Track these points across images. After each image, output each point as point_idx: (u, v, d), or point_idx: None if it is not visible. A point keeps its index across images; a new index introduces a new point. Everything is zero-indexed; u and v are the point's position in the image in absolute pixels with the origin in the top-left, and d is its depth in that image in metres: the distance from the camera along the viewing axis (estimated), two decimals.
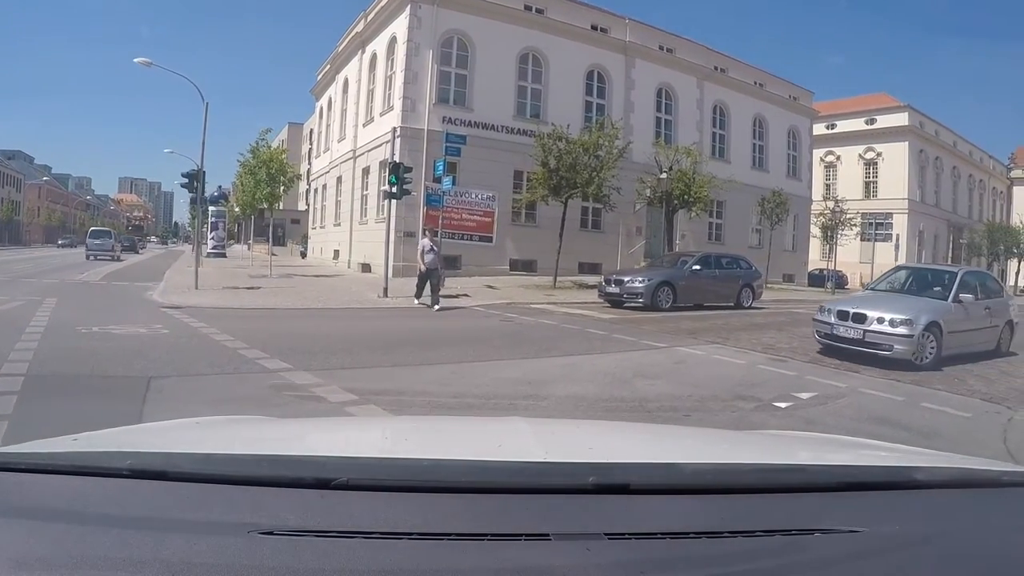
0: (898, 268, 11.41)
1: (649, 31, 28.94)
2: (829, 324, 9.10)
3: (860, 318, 8.73)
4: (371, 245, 23.74)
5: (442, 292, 14.16)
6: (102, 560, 0.85)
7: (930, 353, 8.59)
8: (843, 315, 8.90)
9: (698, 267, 16.28)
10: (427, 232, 14.57)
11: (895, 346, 8.38)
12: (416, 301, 13.84)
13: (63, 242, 59.50)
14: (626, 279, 15.51)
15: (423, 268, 13.71)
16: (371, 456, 1.34)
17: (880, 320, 8.57)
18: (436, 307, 13.27)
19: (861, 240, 35.33)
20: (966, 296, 9.19)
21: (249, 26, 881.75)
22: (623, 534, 0.97)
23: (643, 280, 15.15)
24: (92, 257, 33.03)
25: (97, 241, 35.19)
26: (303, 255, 39.00)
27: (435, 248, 13.94)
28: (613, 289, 15.46)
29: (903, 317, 8.46)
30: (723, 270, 17.14)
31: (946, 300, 9.16)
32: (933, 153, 46.01)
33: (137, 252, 46.07)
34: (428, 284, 13.77)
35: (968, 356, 9.17)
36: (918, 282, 10.20)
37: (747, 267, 17.86)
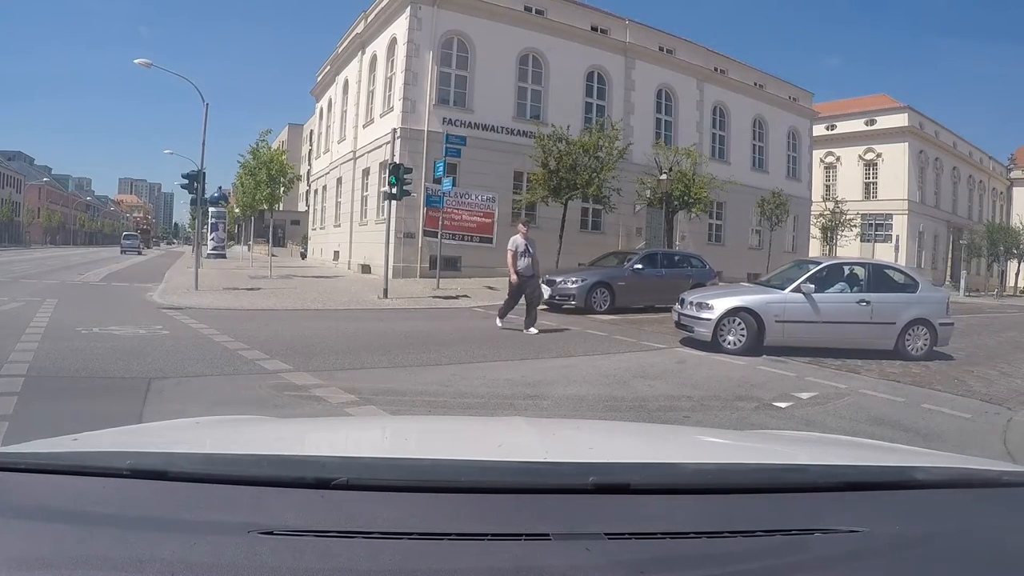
0: (794, 262, 11.23)
1: (649, 32, 28.96)
2: (675, 311, 10.07)
3: (681, 303, 9.82)
4: (371, 246, 23.74)
5: (443, 292, 13.59)
6: (102, 560, 0.85)
7: (741, 339, 8.92)
8: (680, 301, 9.92)
9: (640, 266, 14.97)
10: (521, 226, 10.74)
11: (696, 328, 9.26)
12: (499, 323, 10.55)
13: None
14: (558, 279, 14.03)
15: (515, 277, 10.42)
16: (371, 456, 1.34)
17: (690, 304, 9.51)
18: (532, 330, 10.14)
19: (861, 241, 35.38)
20: (808, 287, 9.06)
21: (249, 27, 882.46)
22: (623, 534, 0.96)
23: (576, 281, 13.86)
24: (124, 251, 50.24)
25: (128, 242, 54.99)
26: (303, 256, 39.02)
27: (531, 249, 10.48)
28: (546, 290, 13.69)
29: (705, 302, 9.27)
30: (671, 269, 15.81)
31: (783, 290, 9.25)
32: (933, 154, 46.02)
33: (140, 253, 52.95)
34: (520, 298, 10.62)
35: (843, 352, 8.92)
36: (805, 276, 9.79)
37: (700, 266, 16.50)
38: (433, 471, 1.15)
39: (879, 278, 9.65)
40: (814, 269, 9.55)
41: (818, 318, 8.98)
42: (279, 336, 9.04)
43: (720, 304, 9.10)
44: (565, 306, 13.85)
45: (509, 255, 10.46)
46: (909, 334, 9.23)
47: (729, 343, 8.97)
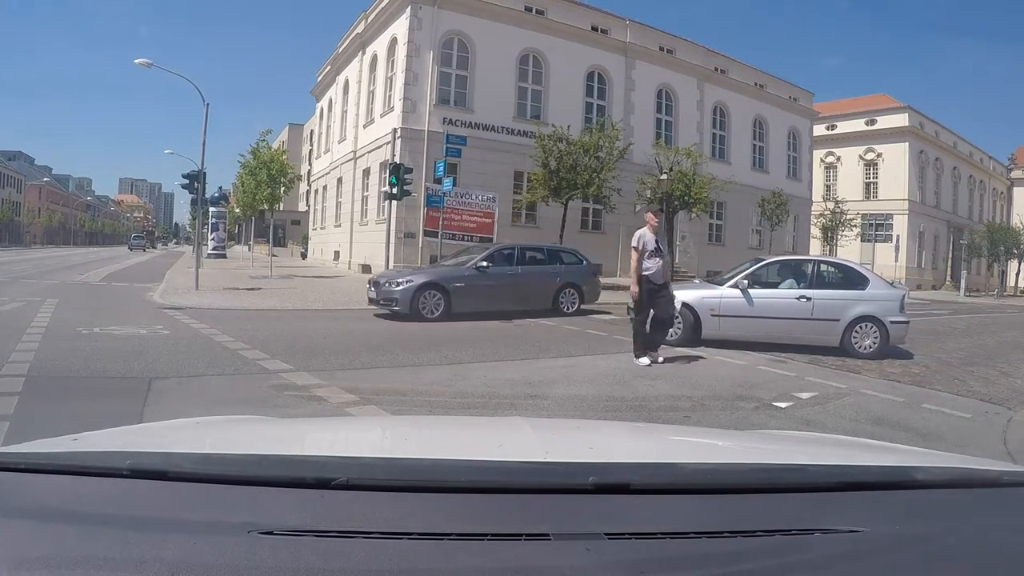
0: (753, 260, 11.10)
1: (649, 32, 28.98)
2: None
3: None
4: (372, 246, 23.76)
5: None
6: (102, 560, 0.85)
7: (678, 331, 9.11)
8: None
9: (486, 264, 12.50)
10: (651, 216, 8.06)
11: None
12: (644, 361, 7.67)
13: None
14: (383, 280, 12.07)
15: (635, 288, 7.78)
16: (371, 456, 1.34)
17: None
18: (643, 360, 7.68)
19: (861, 241, 35.37)
20: (744, 282, 9.24)
21: (250, 27, 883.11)
22: (623, 534, 0.96)
23: (402, 282, 11.65)
24: (132, 249, 61.04)
25: (136, 241, 67.72)
26: (303, 256, 39.04)
27: (662, 246, 7.95)
28: (372, 294, 12.12)
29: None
30: (530, 267, 13.36)
31: (721, 286, 9.46)
32: (933, 154, 46.02)
33: (143, 251, 59.83)
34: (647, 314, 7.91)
35: (783, 347, 8.98)
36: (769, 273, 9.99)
37: (576, 261, 14.04)
38: (433, 471, 1.15)
39: (824, 275, 9.70)
40: (755, 265, 9.73)
41: (754, 313, 9.14)
42: (279, 336, 9.04)
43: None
44: (397, 312, 11.60)
45: (634, 256, 7.84)
46: (856, 331, 9.15)
47: (669, 335, 9.03)
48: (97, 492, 1.06)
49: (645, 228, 7.91)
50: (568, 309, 13.27)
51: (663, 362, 7.68)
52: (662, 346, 8.09)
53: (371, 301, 12.14)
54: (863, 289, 9.42)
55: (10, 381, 5.50)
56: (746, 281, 9.29)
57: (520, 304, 12.62)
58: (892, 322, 9.18)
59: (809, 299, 9.11)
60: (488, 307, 12.08)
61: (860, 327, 9.16)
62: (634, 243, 7.86)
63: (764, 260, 10.09)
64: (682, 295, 9.40)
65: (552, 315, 12.70)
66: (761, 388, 6.81)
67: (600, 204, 22.48)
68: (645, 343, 7.77)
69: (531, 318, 12.13)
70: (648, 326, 7.83)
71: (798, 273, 9.76)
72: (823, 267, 9.93)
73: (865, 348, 9.09)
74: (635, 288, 7.77)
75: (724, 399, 6.27)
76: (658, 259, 7.78)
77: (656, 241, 7.81)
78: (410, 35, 23.11)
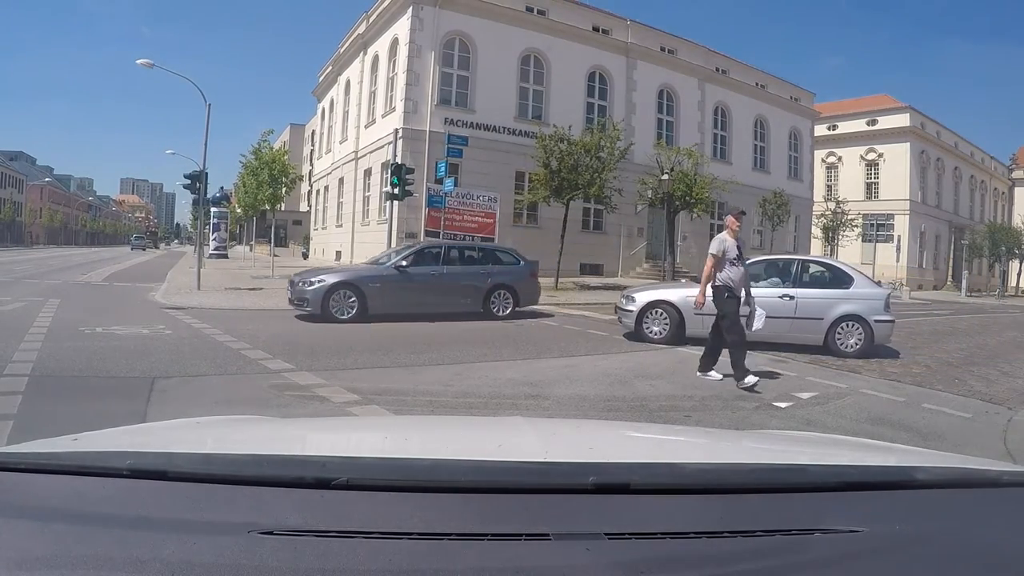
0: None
1: (650, 32, 28.97)
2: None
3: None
4: (373, 246, 23.71)
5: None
6: (102, 560, 0.86)
7: (665, 329, 9.52)
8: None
9: (405, 263, 11.85)
10: (732, 219, 7.35)
11: (623, 319, 10.10)
12: (744, 383, 6.54)
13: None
14: (297, 280, 11.51)
15: (702, 298, 7.04)
16: (372, 456, 1.34)
17: (621, 298, 10.33)
18: (749, 381, 6.49)
19: (863, 241, 35.32)
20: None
21: (251, 28, 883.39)
22: (623, 534, 0.97)
23: (315, 282, 11.09)
24: (133, 248, 64.34)
25: (138, 241, 70.99)
26: (305, 256, 39.01)
27: (743, 253, 7.20)
28: (289, 294, 11.64)
29: (630, 296, 10.05)
30: (456, 266, 12.54)
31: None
32: (934, 154, 45.97)
33: (143, 250, 62.69)
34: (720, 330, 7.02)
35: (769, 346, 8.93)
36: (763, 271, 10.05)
37: (512, 261, 13.09)
38: (433, 471, 1.15)
39: (808, 274, 9.75)
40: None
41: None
42: (281, 336, 9.04)
43: (641, 297, 9.88)
44: (307, 312, 11.12)
45: (708, 263, 6.95)
46: (840, 330, 9.16)
47: (654, 333, 9.63)
48: (97, 492, 1.06)
49: (725, 233, 7.14)
50: (501, 312, 12.35)
51: (756, 383, 6.51)
52: (660, 346, 8.09)
53: (289, 301, 11.61)
54: (847, 288, 9.42)
55: (13, 380, 5.51)
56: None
57: (445, 306, 11.85)
58: (876, 321, 9.17)
59: (792, 298, 9.17)
60: (408, 309, 11.49)
61: (844, 326, 9.18)
62: (714, 249, 6.91)
63: (749, 260, 10.08)
64: (667, 294, 9.86)
65: (482, 318, 11.96)
66: (761, 388, 6.80)
67: (601, 204, 22.45)
68: (736, 366, 6.63)
69: (458, 320, 11.42)
70: (713, 337, 7.10)
71: (783, 272, 9.83)
72: (807, 266, 9.99)
73: (849, 347, 9.10)
74: (701, 298, 7.01)
75: (724, 399, 6.27)
76: (740, 268, 6.96)
77: (738, 247, 7.03)
78: (411, 35, 23.12)
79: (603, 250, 26.26)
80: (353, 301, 11.08)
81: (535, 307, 13.54)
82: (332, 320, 10.78)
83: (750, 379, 6.52)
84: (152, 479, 1.09)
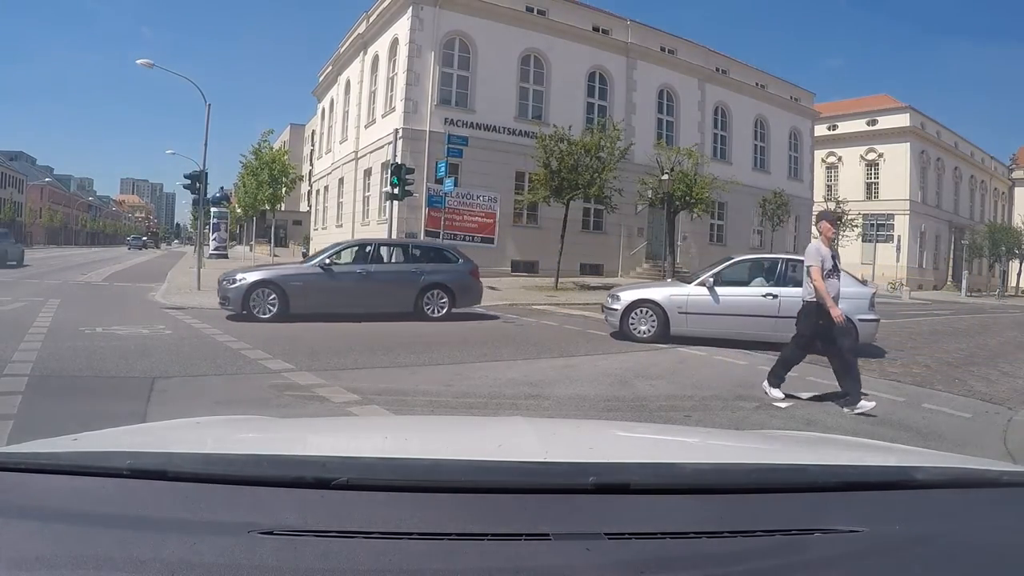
0: (724, 258, 11.14)
1: (650, 32, 28.97)
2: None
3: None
4: None
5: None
6: (102, 560, 0.86)
7: (652, 327, 9.74)
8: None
9: (329, 261, 11.56)
10: (826, 224, 6.39)
11: (609, 318, 10.31)
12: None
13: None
14: (223, 279, 11.27)
15: (837, 312, 5.99)
16: (371, 456, 1.34)
17: (607, 297, 10.57)
18: (866, 403, 5.81)
19: (863, 241, 35.32)
20: (710, 281, 9.57)
21: (251, 28, 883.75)
22: (623, 534, 0.97)
23: (237, 281, 10.90)
24: (131, 248, 66.04)
25: (135, 240, 73.66)
26: (305, 256, 39.03)
27: (838, 263, 6.37)
28: (218, 293, 11.40)
29: (616, 295, 10.28)
30: (385, 265, 12.14)
31: (690, 284, 9.98)
32: (935, 154, 45.98)
33: (140, 249, 64.30)
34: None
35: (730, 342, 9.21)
36: (747, 271, 10.22)
37: (453, 259, 12.53)
38: (433, 471, 1.15)
39: (792, 273, 9.62)
40: (724, 264, 10.06)
41: (720, 310, 9.48)
42: (281, 336, 9.04)
43: (626, 297, 10.12)
44: (230, 310, 10.97)
45: (815, 273, 6.03)
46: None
47: (641, 331, 9.83)
48: (97, 492, 1.06)
49: (818, 241, 6.31)
50: (435, 312, 11.75)
51: (873, 407, 5.82)
52: (660, 346, 8.08)
53: (220, 300, 11.32)
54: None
55: (13, 380, 5.51)
56: (712, 279, 9.60)
57: (373, 306, 11.36)
58: (861, 320, 9.01)
59: (776, 296, 9.25)
60: (333, 308, 11.08)
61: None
62: (811, 260, 6.09)
63: (733, 259, 10.39)
64: (651, 293, 10.10)
65: (413, 318, 11.44)
66: (761, 388, 6.80)
67: (601, 204, 22.45)
68: (849, 389, 5.95)
69: (388, 321, 10.98)
70: (831, 358, 6.24)
71: (767, 271, 9.96)
72: (792, 265, 9.84)
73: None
74: (836, 311, 5.95)
75: (724, 399, 6.27)
76: (835, 279, 6.19)
77: (833, 257, 6.23)
78: (411, 35, 23.11)
79: (603, 250, 26.25)
80: (273, 299, 10.82)
81: (478, 308, 13.00)
82: (253, 319, 10.54)
83: (868, 403, 5.81)
84: (152, 479, 1.09)
